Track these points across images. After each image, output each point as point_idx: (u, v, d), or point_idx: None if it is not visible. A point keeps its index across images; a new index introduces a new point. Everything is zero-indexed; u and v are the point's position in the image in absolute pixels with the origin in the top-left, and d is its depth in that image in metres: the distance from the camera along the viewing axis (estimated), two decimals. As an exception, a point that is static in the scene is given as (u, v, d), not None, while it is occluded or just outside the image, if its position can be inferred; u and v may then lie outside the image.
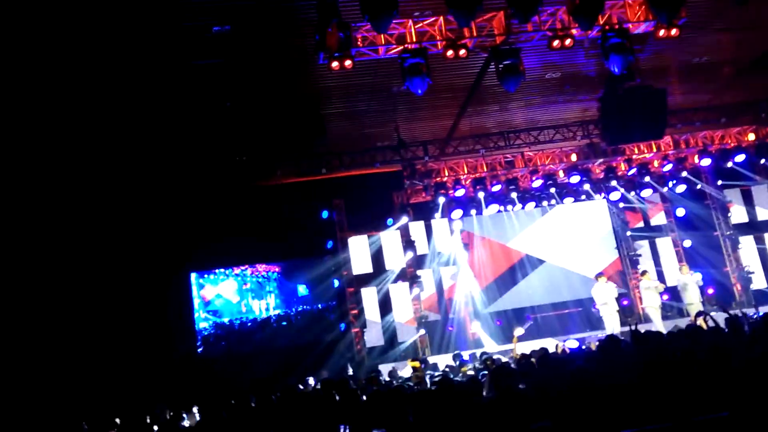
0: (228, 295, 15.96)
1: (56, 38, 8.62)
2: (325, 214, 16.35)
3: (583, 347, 10.87)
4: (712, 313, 12.70)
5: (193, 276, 15.79)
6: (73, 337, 12.78)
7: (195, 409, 8.05)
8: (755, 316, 11.93)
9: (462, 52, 9.63)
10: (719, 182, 17.03)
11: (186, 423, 8.00)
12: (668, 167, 16.29)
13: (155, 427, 6.52)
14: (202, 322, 15.62)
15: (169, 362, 13.17)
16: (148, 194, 13.48)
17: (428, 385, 8.23)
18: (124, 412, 8.53)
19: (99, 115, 10.84)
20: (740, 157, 15.90)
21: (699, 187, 16.99)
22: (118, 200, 13.12)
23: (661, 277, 16.15)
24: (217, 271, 16.02)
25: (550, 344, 11.95)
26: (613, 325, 13.60)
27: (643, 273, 14.87)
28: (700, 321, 11.32)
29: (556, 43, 9.76)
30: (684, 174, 16.49)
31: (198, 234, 14.26)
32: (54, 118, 10.68)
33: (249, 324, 15.79)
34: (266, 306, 16.11)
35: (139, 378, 12.49)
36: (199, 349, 15.34)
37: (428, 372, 10.90)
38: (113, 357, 12.79)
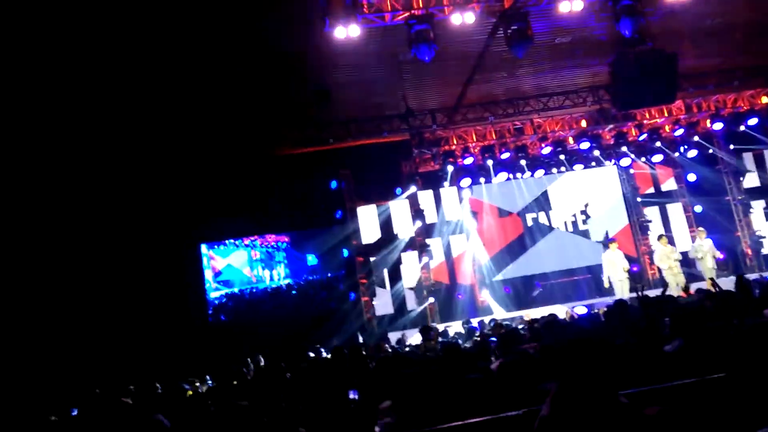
0: (238, 265, 16.09)
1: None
2: (333, 184, 16.36)
3: (592, 313, 10.90)
4: (722, 279, 12.74)
5: (203, 247, 15.90)
6: (89, 311, 12.96)
7: (208, 378, 8.18)
8: (766, 279, 11.92)
9: (469, 17, 9.49)
10: (731, 146, 16.81)
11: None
12: (679, 132, 16.07)
13: (165, 393, 6.65)
14: (213, 292, 15.78)
15: (182, 332, 13.33)
16: (158, 167, 13.53)
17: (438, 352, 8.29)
18: (138, 380, 8.68)
19: (109, 89, 10.81)
20: (753, 121, 15.65)
21: (710, 151, 16.79)
22: (128, 173, 13.17)
23: (671, 242, 16.03)
24: (227, 242, 16.13)
25: (560, 311, 12.01)
26: (622, 290, 13.64)
27: (660, 237, 14.73)
28: (708, 285, 11.35)
29: (565, 6, 9.59)
30: (695, 138, 16.28)
31: (206, 205, 14.32)
32: (66, 92, 10.67)
33: (259, 294, 15.95)
34: (276, 276, 16.24)
35: (153, 348, 12.67)
36: (211, 319, 15.53)
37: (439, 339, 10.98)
38: (126, 328, 12.98)
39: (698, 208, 17.01)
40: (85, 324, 12.76)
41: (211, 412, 3.28)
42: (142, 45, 9.85)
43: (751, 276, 13.46)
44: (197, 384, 7.92)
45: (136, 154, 12.96)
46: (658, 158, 16.43)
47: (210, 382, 8.20)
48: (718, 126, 15.79)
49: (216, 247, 16.07)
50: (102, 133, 12.09)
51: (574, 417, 2.10)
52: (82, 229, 13.10)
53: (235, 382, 6.47)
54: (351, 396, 4.18)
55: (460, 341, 9.81)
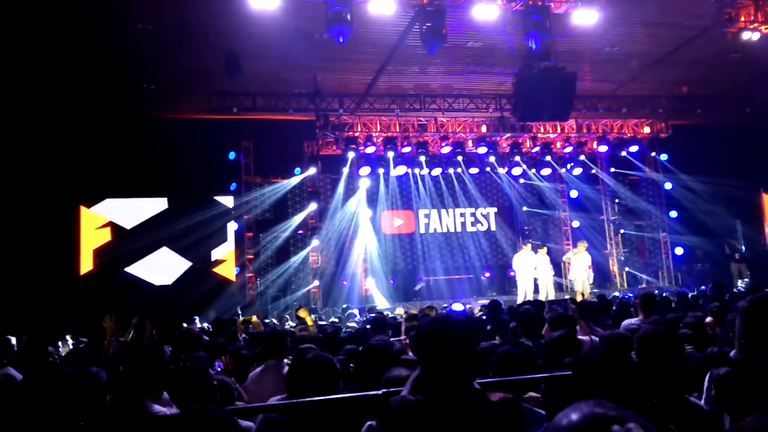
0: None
1: None
2: (232, 154, 15.95)
3: (466, 308, 11.42)
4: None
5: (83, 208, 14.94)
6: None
7: (68, 337, 7.75)
8: (626, 297, 12.93)
9: (388, 6, 9.56)
10: (612, 169, 18.03)
11: (61, 351, 7.69)
12: (569, 149, 17.04)
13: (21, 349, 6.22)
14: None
15: (49, 289, 12.53)
16: (42, 120, 12.69)
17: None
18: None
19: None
20: (634, 148, 16.90)
21: (593, 171, 17.93)
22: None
23: (550, 252, 16.72)
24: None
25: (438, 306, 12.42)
26: (525, 291, 13.93)
27: (578, 244, 14.88)
28: (577, 297, 12.16)
29: (480, 12, 9.88)
30: (582, 158, 17.33)
31: (90, 164, 13.56)
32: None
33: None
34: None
35: (17, 302, 11.83)
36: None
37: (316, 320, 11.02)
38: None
39: (576, 223, 18.12)
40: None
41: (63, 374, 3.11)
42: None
43: (614, 293, 14.55)
44: (58, 343, 7.49)
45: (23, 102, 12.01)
46: (546, 171, 17.31)
47: (71, 343, 7.78)
48: (603, 148, 16.90)
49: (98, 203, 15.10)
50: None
51: (430, 398, 2.20)
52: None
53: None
54: (217, 368, 4.13)
55: (340, 326, 9.94)
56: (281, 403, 2.71)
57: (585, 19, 10.24)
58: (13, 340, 6.75)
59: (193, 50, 11.70)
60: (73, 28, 10.51)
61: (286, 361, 4.46)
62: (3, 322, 10.13)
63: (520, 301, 13.22)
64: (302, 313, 9.81)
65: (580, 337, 4.72)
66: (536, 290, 14.05)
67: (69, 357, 6.44)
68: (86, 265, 14.65)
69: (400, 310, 13.66)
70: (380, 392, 2.48)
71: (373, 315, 10.55)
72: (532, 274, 14.08)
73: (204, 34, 11.08)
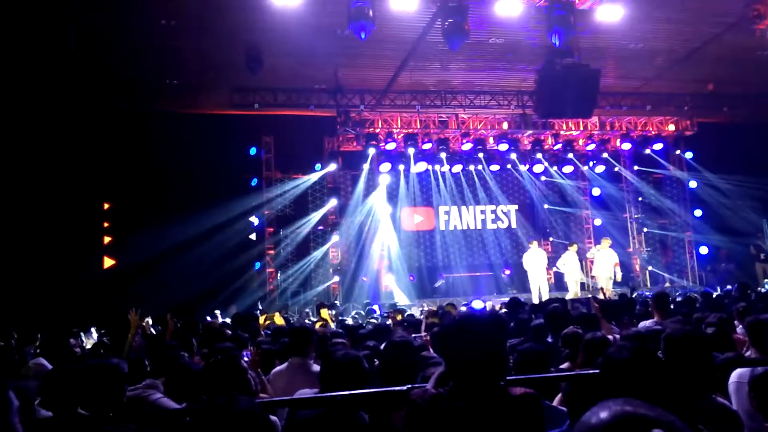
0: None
1: None
2: (253, 150, 16.05)
3: (486, 306, 11.35)
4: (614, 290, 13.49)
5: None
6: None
7: (93, 330, 7.86)
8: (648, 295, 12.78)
9: (410, 2, 9.55)
10: (635, 167, 17.82)
11: (86, 344, 7.80)
12: (591, 147, 16.86)
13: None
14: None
15: (72, 283, 12.71)
16: (67, 116, 12.86)
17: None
18: (22, 327, 8.22)
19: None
20: (658, 146, 16.68)
21: (616, 169, 17.73)
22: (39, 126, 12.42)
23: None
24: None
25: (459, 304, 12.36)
26: (538, 289, 13.91)
27: (602, 240, 14.70)
28: (600, 295, 12.02)
29: (504, 6, 9.83)
30: (605, 155, 17.13)
31: (115, 158, 13.73)
32: None
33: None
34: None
35: (44, 295, 12.03)
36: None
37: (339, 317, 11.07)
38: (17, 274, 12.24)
39: (598, 221, 17.95)
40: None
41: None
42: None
43: (637, 291, 14.35)
44: (81, 334, 7.60)
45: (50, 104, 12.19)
46: (568, 169, 17.16)
47: (95, 335, 7.89)
48: (627, 146, 16.70)
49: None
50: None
51: (452, 392, 2.20)
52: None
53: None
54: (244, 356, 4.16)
55: (360, 322, 9.95)
56: (306, 398, 2.73)
57: (610, 15, 10.13)
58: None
59: (215, 46, 11.78)
60: (96, 24, 10.61)
61: (310, 361, 4.46)
62: (28, 314, 10.32)
63: (534, 299, 13.22)
64: (324, 314, 9.79)
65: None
66: (564, 287, 14.00)
67: (94, 349, 6.56)
68: (109, 259, 14.83)
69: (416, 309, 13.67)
70: (405, 387, 2.49)
71: (389, 312, 10.59)
72: (542, 272, 14.17)
73: (226, 30, 11.15)
